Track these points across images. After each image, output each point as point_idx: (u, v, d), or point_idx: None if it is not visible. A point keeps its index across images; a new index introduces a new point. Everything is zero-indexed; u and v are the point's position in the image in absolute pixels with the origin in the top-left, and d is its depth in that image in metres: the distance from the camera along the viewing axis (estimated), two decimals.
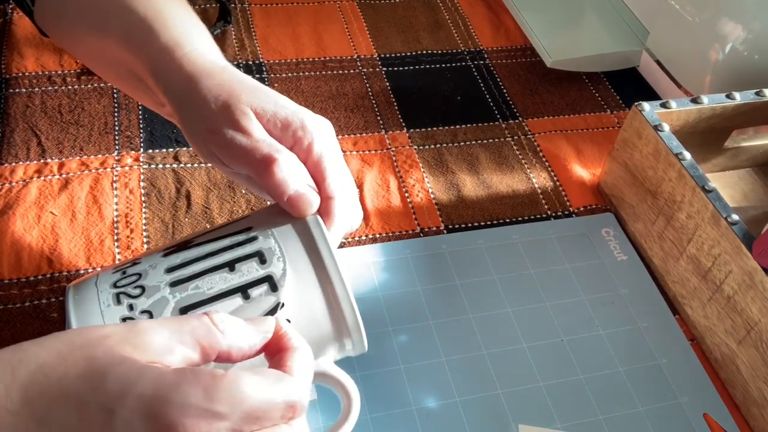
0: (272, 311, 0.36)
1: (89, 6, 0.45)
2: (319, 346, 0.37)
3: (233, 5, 0.75)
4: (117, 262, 0.51)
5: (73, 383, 0.27)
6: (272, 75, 0.68)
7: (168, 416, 0.26)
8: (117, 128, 0.61)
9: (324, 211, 0.39)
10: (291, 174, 0.37)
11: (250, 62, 0.69)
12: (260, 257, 0.37)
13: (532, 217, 0.59)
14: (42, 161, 0.57)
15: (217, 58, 0.42)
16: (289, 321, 0.36)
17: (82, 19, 0.46)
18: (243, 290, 0.36)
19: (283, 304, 0.36)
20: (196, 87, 0.39)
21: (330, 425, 0.38)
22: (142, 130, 0.61)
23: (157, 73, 0.41)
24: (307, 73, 0.69)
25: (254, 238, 0.37)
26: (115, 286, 0.36)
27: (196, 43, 0.42)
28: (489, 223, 0.58)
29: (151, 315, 0.35)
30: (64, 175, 0.56)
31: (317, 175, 0.39)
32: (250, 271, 0.36)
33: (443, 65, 0.73)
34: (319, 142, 0.39)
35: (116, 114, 0.62)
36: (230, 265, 0.36)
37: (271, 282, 0.36)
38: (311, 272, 0.37)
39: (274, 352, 0.32)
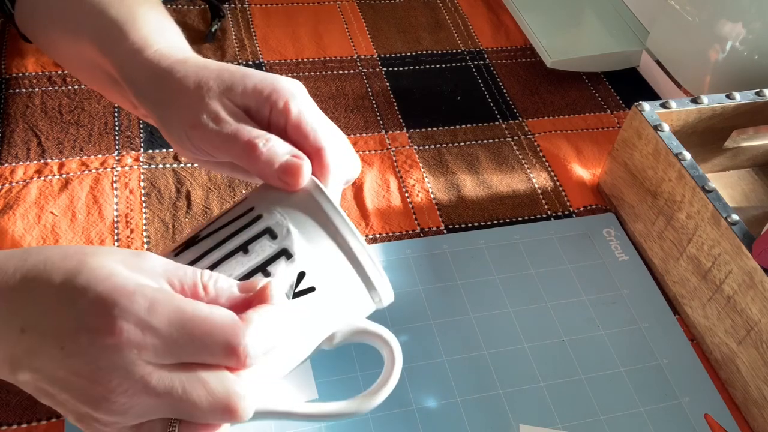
0: (296, 282, 0.36)
1: (63, 10, 0.45)
2: (348, 306, 0.38)
3: (233, 5, 0.75)
4: None
5: (58, 275, 0.31)
6: None
7: (109, 315, 0.30)
8: (117, 128, 0.61)
9: (317, 163, 0.38)
10: (275, 153, 0.37)
11: (250, 62, 0.69)
12: (270, 233, 0.37)
13: (533, 217, 0.59)
14: (42, 161, 0.57)
15: (178, 52, 0.42)
16: (314, 289, 0.36)
17: (56, 23, 0.46)
18: (262, 269, 0.36)
19: (304, 273, 0.36)
20: (164, 87, 0.39)
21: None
22: (142, 130, 0.61)
23: (126, 76, 0.41)
24: (307, 73, 0.69)
25: (259, 217, 0.37)
26: None
27: (159, 43, 0.42)
28: (489, 223, 0.58)
29: None
30: (64, 175, 0.56)
31: (301, 132, 0.38)
32: (264, 249, 0.36)
33: (443, 65, 0.73)
34: (295, 100, 0.39)
35: (116, 114, 0.62)
36: (243, 248, 0.36)
37: (287, 254, 0.36)
38: (322, 235, 0.37)
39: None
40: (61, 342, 0.30)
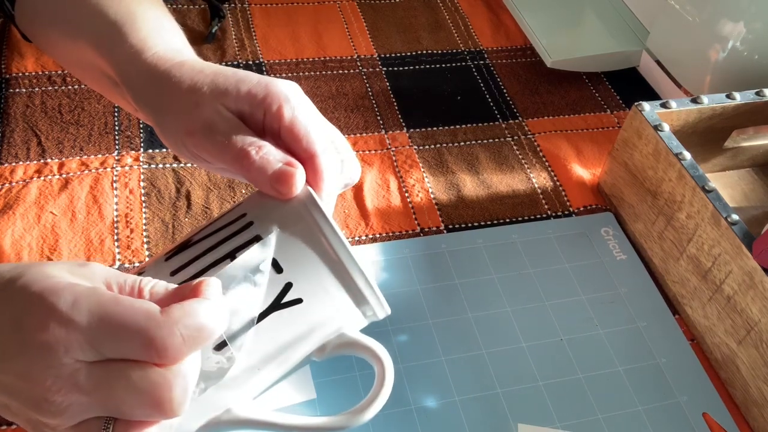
0: (282, 293, 0.35)
1: (62, 11, 0.45)
2: (337, 319, 0.37)
3: (233, 5, 0.75)
4: (117, 266, 0.51)
5: (1, 282, 0.31)
6: (272, 75, 0.68)
7: (39, 313, 0.30)
8: (117, 128, 0.61)
9: (310, 169, 0.38)
10: (267, 161, 0.37)
11: (250, 62, 0.69)
12: (259, 242, 0.36)
13: (532, 216, 0.59)
14: (42, 161, 0.57)
15: (176, 54, 0.41)
16: (301, 300, 0.36)
17: (56, 25, 0.46)
18: (248, 278, 0.35)
19: (291, 284, 0.35)
20: (161, 91, 0.39)
21: None
22: (142, 130, 0.61)
23: (124, 79, 0.41)
24: (307, 73, 0.69)
25: (250, 224, 0.37)
26: None
27: (158, 45, 0.41)
28: (489, 222, 0.58)
29: None
30: (64, 175, 0.56)
31: (294, 136, 0.38)
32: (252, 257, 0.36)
33: (443, 65, 0.73)
34: (288, 104, 0.38)
35: (116, 114, 0.62)
36: (231, 256, 0.36)
37: (275, 264, 0.35)
38: (311, 246, 0.36)
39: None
40: (2, 347, 0.30)
